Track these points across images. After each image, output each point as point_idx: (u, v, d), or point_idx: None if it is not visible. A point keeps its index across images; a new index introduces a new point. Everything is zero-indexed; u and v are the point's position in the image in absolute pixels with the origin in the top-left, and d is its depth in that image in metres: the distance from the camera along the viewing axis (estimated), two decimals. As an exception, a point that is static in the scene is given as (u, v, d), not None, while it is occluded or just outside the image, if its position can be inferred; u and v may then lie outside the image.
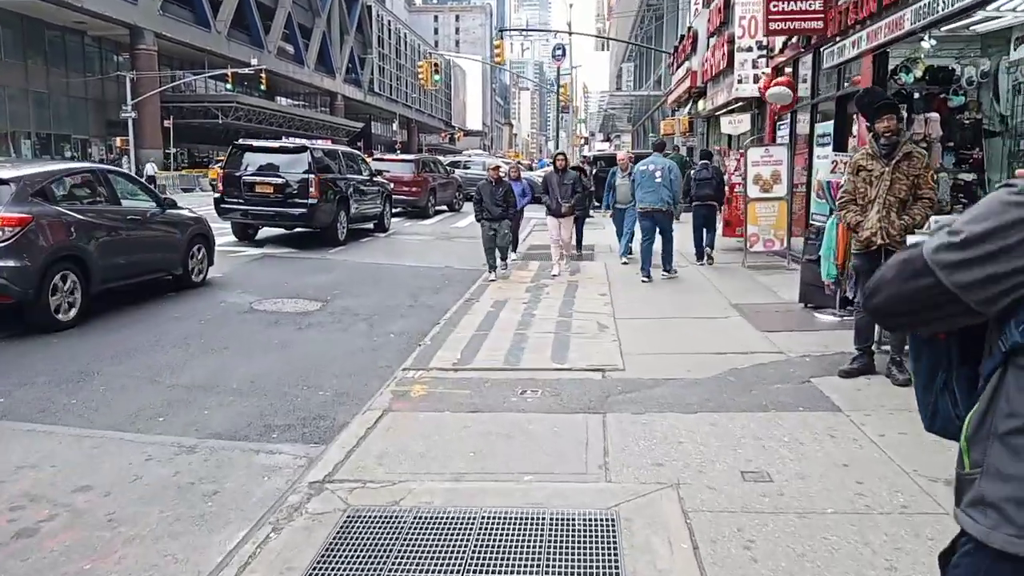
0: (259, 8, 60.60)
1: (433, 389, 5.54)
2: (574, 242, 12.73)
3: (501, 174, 11.24)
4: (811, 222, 10.73)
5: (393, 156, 24.69)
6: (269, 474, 4.30)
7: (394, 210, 20.68)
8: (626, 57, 57.09)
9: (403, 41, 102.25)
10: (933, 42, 7.92)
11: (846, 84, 9.85)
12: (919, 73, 7.89)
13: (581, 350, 6.63)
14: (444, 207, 24.45)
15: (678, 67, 22.18)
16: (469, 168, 28.46)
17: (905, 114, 7.53)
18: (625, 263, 11.90)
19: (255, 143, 16.07)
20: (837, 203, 5.57)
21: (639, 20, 46.30)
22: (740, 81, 13.75)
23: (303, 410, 5.42)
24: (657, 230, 10.55)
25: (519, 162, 47.95)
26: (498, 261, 10.89)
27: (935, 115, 7.78)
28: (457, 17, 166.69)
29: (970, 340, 1.35)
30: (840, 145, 9.71)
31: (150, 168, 40.32)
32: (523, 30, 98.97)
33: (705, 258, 12.02)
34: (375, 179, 17.96)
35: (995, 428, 1.24)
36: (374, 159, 23.48)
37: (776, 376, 5.77)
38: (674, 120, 25.53)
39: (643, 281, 10.33)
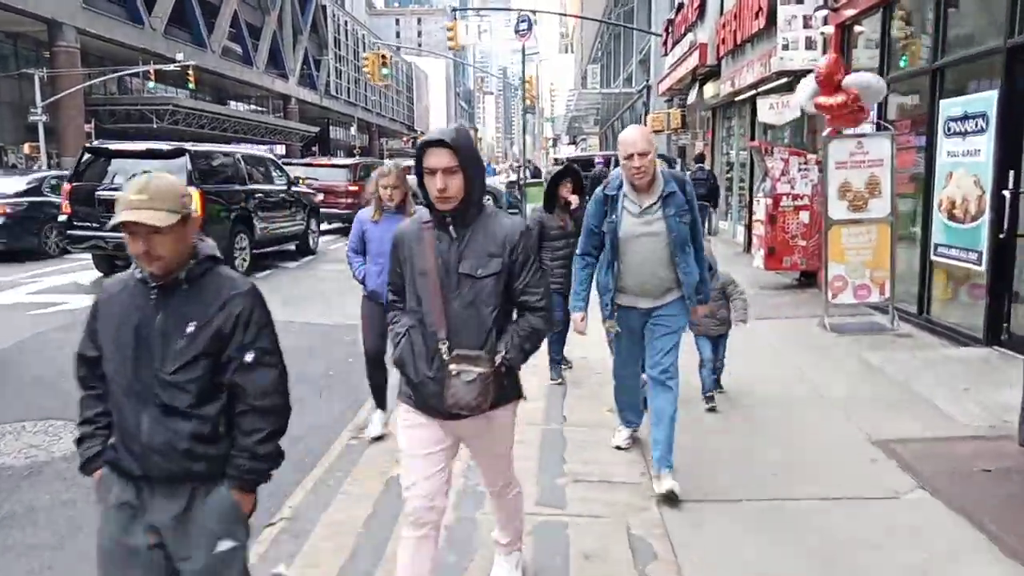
0: (201, 4, 55.89)
1: None
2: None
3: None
4: (936, 257, 6.73)
5: (323, 161, 20.45)
6: None
7: (330, 226, 16.82)
8: (592, 58, 53.71)
9: (362, 43, 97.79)
10: None
11: None
12: None
13: None
14: (388, 222, 20.17)
15: (674, 45, 17.95)
16: (423, 174, 23.97)
17: None
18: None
19: (115, 146, 11.84)
20: None
21: (607, 14, 42.73)
22: (785, 47, 9.59)
23: None
24: None
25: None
26: None
27: None
28: (419, 20, 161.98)
29: None
30: (1015, 133, 5.68)
31: None
32: (479, 10, 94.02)
33: None
34: (294, 189, 13.94)
35: None
36: (300, 163, 19.31)
37: None
38: (663, 114, 21.35)
39: None
